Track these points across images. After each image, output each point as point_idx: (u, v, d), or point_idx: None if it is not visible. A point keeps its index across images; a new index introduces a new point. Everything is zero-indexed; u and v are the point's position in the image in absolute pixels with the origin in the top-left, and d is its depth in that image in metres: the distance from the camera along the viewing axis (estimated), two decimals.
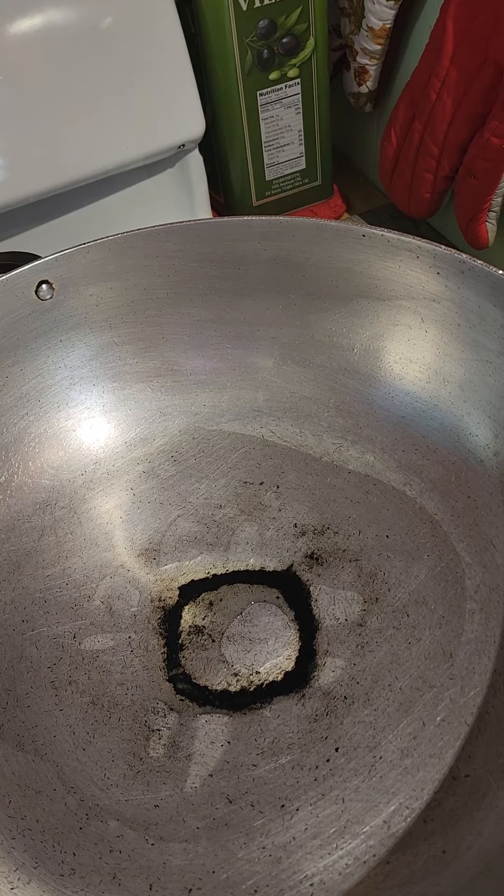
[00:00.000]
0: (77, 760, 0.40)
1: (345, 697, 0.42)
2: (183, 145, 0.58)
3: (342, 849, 0.37)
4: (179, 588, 0.46)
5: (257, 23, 0.57)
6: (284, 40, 0.59)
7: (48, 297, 0.47)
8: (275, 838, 0.37)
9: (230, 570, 0.47)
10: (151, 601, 0.46)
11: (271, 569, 0.47)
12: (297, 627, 0.45)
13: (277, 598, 0.46)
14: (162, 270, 0.49)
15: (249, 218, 0.48)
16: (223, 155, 0.64)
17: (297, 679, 0.43)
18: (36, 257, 0.47)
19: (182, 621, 0.45)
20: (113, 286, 0.48)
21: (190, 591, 0.46)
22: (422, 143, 0.57)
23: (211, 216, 0.65)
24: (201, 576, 0.47)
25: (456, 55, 0.52)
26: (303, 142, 0.65)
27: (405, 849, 0.36)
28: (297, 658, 0.43)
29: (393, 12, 0.58)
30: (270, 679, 0.43)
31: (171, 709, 0.42)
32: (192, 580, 0.46)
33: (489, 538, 0.44)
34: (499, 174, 0.53)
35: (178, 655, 0.44)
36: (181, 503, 0.49)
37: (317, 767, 0.40)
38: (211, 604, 0.46)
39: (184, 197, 0.63)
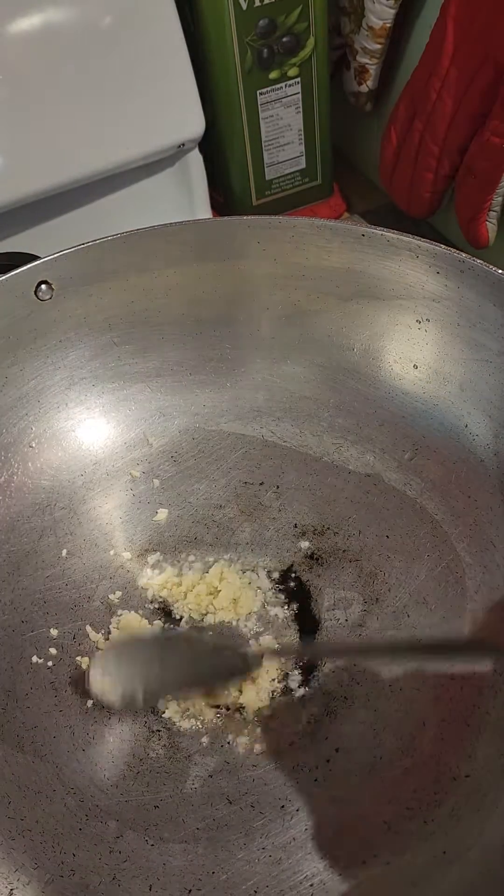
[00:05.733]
0: (77, 761, 0.40)
1: (345, 698, 0.42)
2: (183, 144, 0.58)
3: (342, 849, 0.37)
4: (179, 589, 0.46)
5: (257, 22, 0.57)
6: (284, 39, 0.59)
7: (47, 297, 0.47)
8: (275, 839, 0.37)
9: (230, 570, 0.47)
10: (151, 602, 0.46)
11: (271, 569, 0.47)
12: (297, 627, 0.45)
13: (277, 598, 0.46)
14: (161, 270, 0.49)
15: (249, 218, 0.48)
16: (223, 154, 0.64)
17: (298, 679, 0.43)
18: (35, 257, 0.47)
19: (182, 622, 0.45)
20: (112, 286, 0.48)
21: (190, 592, 0.46)
22: (422, 142, 0.57)
23: (211, 216, 0.65)
24: (202, 576, 0.47)
25: (456, 54, 0.52)
26: (303, 141, 0.65)
27: (405, 849, 0.36)
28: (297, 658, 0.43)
29: (393, 11, 0.58)
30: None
31: None
32: (193, 581, 0.46)
33: (489, 538, 0.44)
34: (499, 174, 0.53)
35: None
36: (181, 503, 0.49)
37: (317, 768, 0.40)
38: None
39: (184, 197, 0.63)
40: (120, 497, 0.49)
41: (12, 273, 0.45)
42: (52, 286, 0.47)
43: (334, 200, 0.71)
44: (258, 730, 0.41)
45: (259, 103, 0.61)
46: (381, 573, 0.46)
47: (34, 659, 0.43)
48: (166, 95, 0.55)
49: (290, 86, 0.62)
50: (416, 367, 0.48)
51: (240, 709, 0.42)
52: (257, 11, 0.57)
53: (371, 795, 0.38)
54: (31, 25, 0.50)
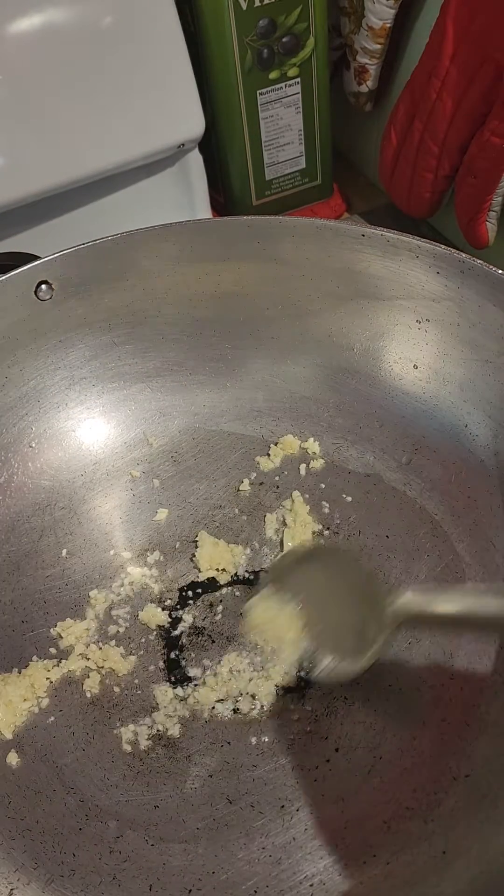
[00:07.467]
0: (77, 761, 0.40)
1: (345, 698, 0.42)
2: (183, 145, 0.58)
3: (342, 849, 0.37)
4: (179, 589, 0.46)
5: (257, 22, 0.57)
6: (284, 39, 0.59)
7: (47, 297, 0.47)
8: (275, 839, 0.37)
9: (230, 570, 0.47)
10: (151, 602, 0.46)
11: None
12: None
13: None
14: (161, 270, 0.49)
15: (249, 218, 0.48)
16: (223, 154, 0.64)
17: (298, 680, 0.43)
18: (35, 257, 0.47)
19: (182, 622, 0.45)
20: (112, 286, 0.48)
21: (190, 592, 0.46)
22: (422, 142, 0.57)
23: (211, 216, 0.65)
24: (201, 577, 0.47)
25: (456, 54, 0.52)
26: (303, 141, 0.65)
27: (405, 849, 0.36)
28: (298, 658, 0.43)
29: (393, 11, 0.58)
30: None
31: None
32: (193, 581, 0.46)
33: (489, 538, 0.44)
34: (499, 174, 0.53)
35: (178, 656, 0.44)
36: (181, 503, 0.49)
37: (317, 768, 0.40)
38: (211, 605, 0.46)
39: (184, 197, 0.63)
40: (120, 497, 0.49)
41: (12, 273, 0.45)
42: (52, 286, 0.47)
43: (334, 200, 0.71)
44: (258, 729, 0.41)
45: (259, 103, 0.61)
46: (381, 573, 0.45)
47: (34, 659, 0.43)
48: (166, 95, 0.55)
49: (290, 86, 0.62)
50: (416, 367, 0.48)
51: (239, 708, 0.42)
52: (257, 11, 0.57)
53: (371, 795, 0.38)
54: (31, 25, 0.50)
